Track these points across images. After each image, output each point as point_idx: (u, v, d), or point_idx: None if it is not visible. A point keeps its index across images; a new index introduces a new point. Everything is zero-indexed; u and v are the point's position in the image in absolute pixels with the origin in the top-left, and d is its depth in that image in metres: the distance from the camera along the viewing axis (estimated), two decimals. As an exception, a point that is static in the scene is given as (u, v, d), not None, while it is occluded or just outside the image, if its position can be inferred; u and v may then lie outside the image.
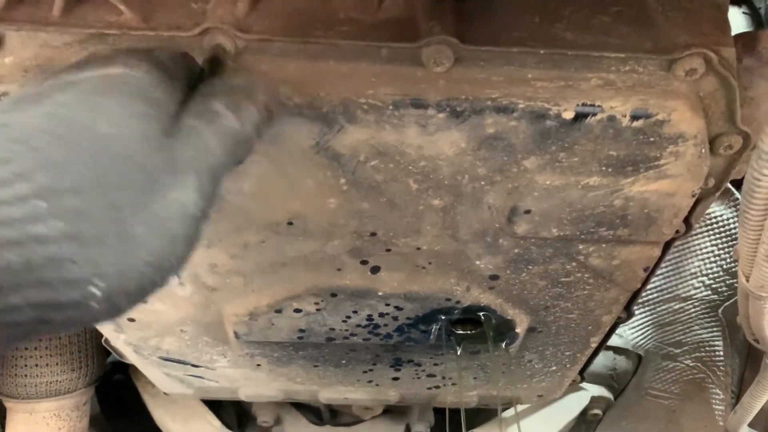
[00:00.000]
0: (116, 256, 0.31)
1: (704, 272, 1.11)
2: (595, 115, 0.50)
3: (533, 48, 0.50)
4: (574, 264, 0.64)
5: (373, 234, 0.61)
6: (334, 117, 0.50)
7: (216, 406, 1.20)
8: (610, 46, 0.50)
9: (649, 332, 1.21)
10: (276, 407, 1.21)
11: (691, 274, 1.12)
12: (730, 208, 1.04)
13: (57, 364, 1.01)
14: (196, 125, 0.37)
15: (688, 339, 1.19)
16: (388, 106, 0.50)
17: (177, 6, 0.50)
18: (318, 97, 0.50)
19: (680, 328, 1.19)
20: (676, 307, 1.16)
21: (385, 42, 0.49)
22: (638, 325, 1.20)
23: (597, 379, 1.25)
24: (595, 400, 1.24)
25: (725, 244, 1.07)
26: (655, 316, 1.18)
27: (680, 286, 1.13)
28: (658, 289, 1.14)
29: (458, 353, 0.77)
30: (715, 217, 1.05)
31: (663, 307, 1.16)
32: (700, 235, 1.08)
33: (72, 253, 0.29)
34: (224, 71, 0.47)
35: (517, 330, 0.74)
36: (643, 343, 1.22)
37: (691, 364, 1.21)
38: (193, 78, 0.42)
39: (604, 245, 0.62)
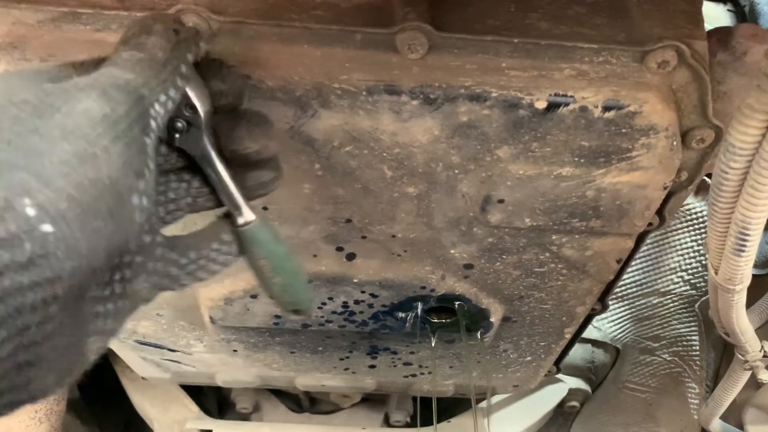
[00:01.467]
0: (39, 181, 0.29)
1: (683, 267, 1.11)
2: (567, 105, 0.50)
3: (507, 37, 0.50)
4: (547, 254, 0.65)
5: (349, 220, 0.61)
6: (307, 101, 0.50)
7: (197, 392, 1.20)
8: (584, 37, 0.51)
9: (627, 326, 1.22)
10: (255, 394, 1.21)
11: (670, 269, 1.12)
12: (709, 203, 1.05)
13: (34, 346, 1.00)
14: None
15: (666, 333, 1.20)
16: (362, 92, 0.50)
17: None
18: (292, 80, 0.50)
19: (658, 322, 1.19)
20: (655, 301, 1.17)
21: (359, 27, 0.49)
22: (617, 319, 1.21)
23: (575, 372, 1.26)
24: (572, 393, 1.25)
25: (704, 240, 1.08)
26: (633, 310, 1.19)
27: (659, 280, 1.14)
28: (637, 283, 1.15)
29: (433, 342, 0.77)
30: (695, 213, 1.06)
31: (642, 302, 1.17)
32: (679, 231, 1.08)
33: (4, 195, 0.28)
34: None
35: (492, 319, 0.75)
36: (622, 336, 1.23)
37: (668, 358, 1.22)
38: None
39: (576, 236, 0.62)
